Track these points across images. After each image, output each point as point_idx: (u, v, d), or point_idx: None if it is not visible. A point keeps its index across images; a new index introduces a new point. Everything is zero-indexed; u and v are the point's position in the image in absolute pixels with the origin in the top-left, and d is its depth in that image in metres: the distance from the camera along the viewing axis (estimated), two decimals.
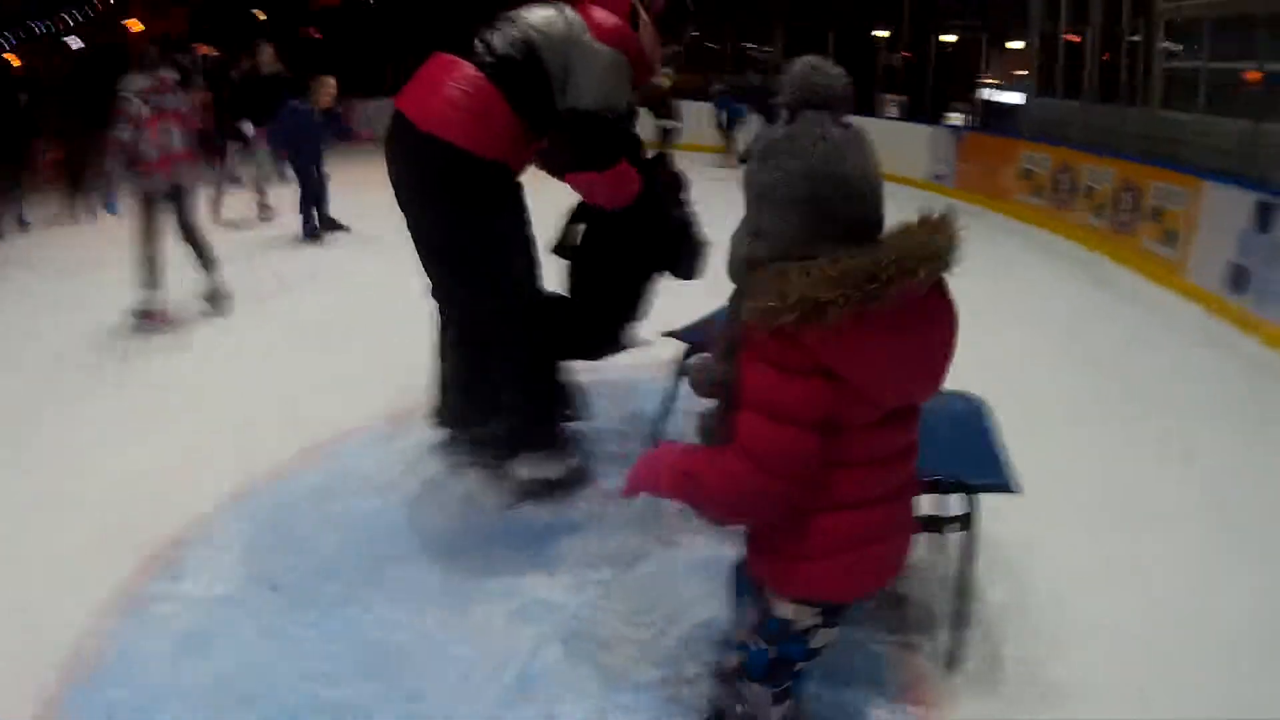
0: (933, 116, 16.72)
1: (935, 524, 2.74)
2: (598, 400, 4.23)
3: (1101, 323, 7.50)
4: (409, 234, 3.47)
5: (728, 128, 15.96)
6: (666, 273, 3.90)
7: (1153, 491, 4.02)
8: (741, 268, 1.64)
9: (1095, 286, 8.86)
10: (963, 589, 2.74)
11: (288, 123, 9.56)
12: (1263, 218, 7.98)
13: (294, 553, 3.38)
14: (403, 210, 3.41)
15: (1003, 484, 2.69)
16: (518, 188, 3.40)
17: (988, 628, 2.87)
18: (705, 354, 1.90)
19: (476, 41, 3.27)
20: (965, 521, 2.69)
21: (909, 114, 17.36)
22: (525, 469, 3.62)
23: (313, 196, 9.68)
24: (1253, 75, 10.44)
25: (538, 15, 3.29)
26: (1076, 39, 14.08)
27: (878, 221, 1.62)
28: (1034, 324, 7.16)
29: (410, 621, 2.95)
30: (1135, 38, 12.45)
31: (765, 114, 13.97)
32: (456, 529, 3.46)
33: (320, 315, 6.69)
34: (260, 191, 10.71)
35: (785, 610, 1.78)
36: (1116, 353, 6.34)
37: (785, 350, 1.53)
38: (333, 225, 9.96)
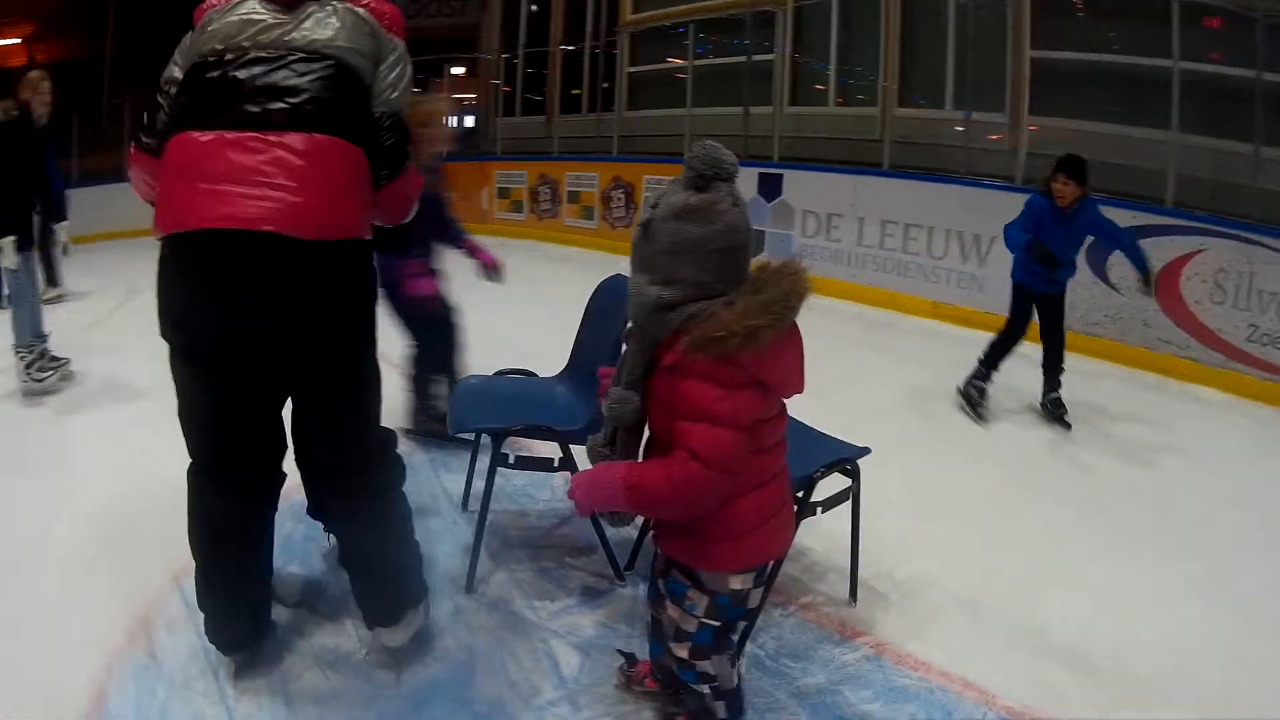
0: None
1: (831, 502, 3.04)
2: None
3: None
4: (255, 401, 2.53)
5: None
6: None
7: None
8: (654, 311, 1.93)
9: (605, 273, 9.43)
10: (854, 540, 3.21)
11: None
12: (765, 187, 9.17)
13: None
14: (252, 365, 2.44)
15: (862, 450, 3.11)
16: None
17: (869, 570, 3.35)
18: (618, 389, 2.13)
19: (261, 100, 2.30)
20: (851, 491, 3.12)
21: None
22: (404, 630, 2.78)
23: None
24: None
25: (326, 30, 2.41)
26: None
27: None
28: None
29: None
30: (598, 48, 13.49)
31: None
32: None
33: None
34: None
35: (735, 582, 2.11)
36: None
37: (723, 369, 1.88)
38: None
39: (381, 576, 2.66)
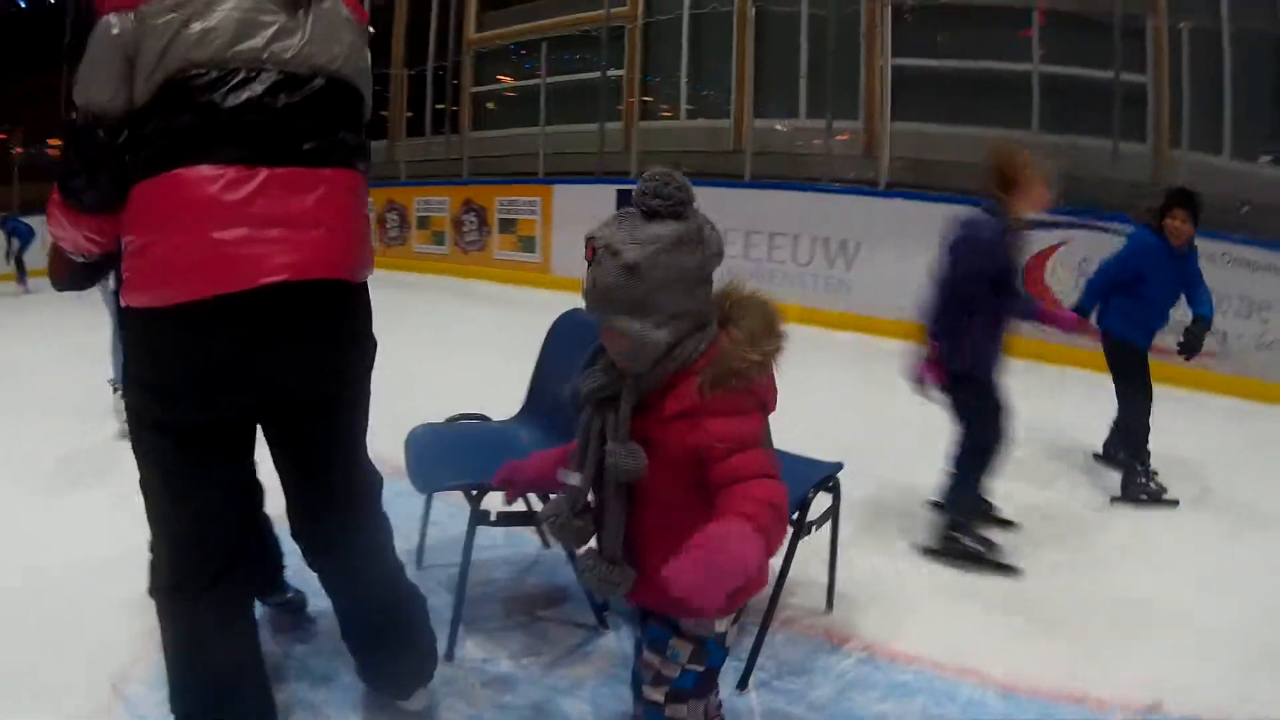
0: None
1: (822, 519, 3.02)
2: None
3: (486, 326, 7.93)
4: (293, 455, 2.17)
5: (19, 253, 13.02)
6: None
7: None
8: (662, 357, 1.79)
9: (460, 299, 9.35)
10: (833, 550, 3.18)
11: None
12: (624, 204, 9.17)
13: None
14: (302, 418, 2.09)
15: (837, 465, 3.10)
16: None
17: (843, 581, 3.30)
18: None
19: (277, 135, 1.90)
20: (832, 511, 3.08)
21: None
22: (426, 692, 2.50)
23: None
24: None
25: (339, 45, 2.00)
26: None
27: None
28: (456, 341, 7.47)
29: None
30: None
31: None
32: None
33: None
34: None
35: (722, 625, 1.96)
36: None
37: (740, 397, 1.77)
38: None
39: (397, 640, 2.31)
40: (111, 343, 4.90)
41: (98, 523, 3.55)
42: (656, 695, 1.97)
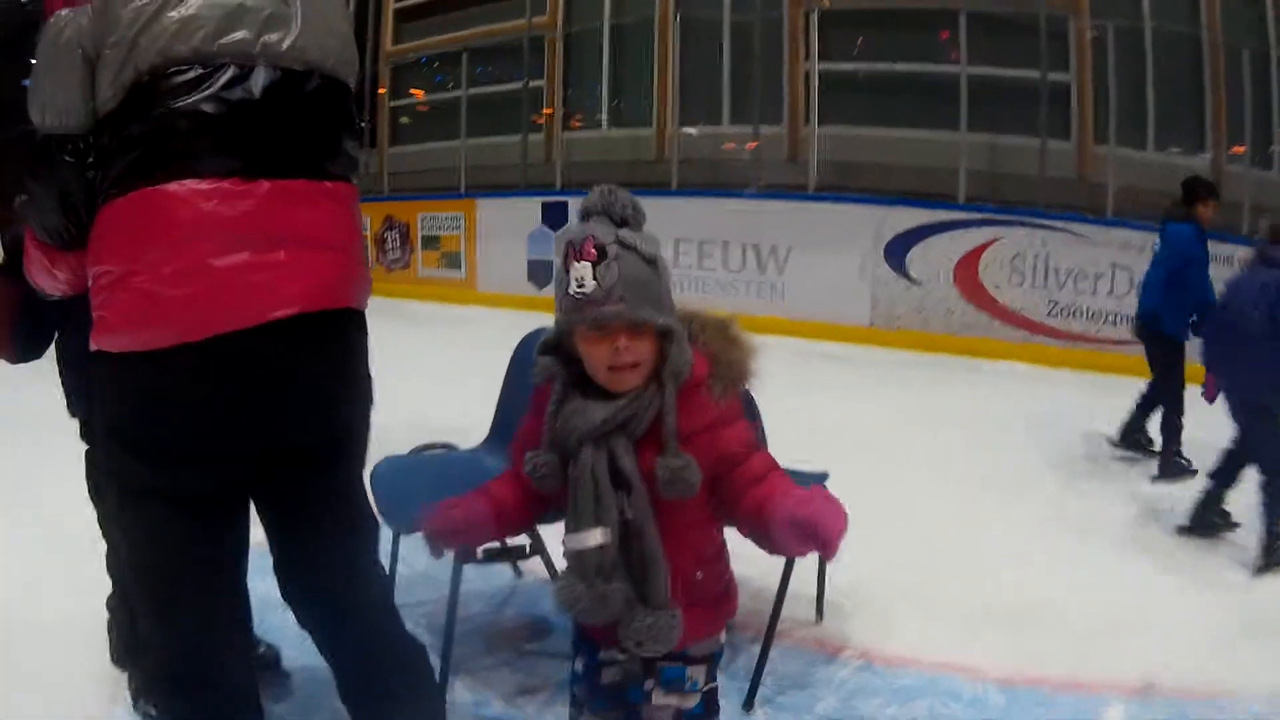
0: None
1: None
2: None
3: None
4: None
5: None
6: None
7: None
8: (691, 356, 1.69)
9: (390, 319, 9.16)
10: (822, 560, 3.06)
11: None
12: (549, 216, 9.12)
13: None
14: (315, 464, 1.77)
15: (824, 474, 3.07)
16: None
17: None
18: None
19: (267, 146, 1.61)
20: None
21: None
22: None
23: None
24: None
25: (333, 38, 1.72)
26: None
27: None
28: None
29: None
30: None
31: None
32: None
33: None
34: None
35: (723, 637, 1.89)
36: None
37: (739, 403, 1.73)
38: None
39: (407, 694, 2.00)
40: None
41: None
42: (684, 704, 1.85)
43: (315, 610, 1.96)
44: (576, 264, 1.60)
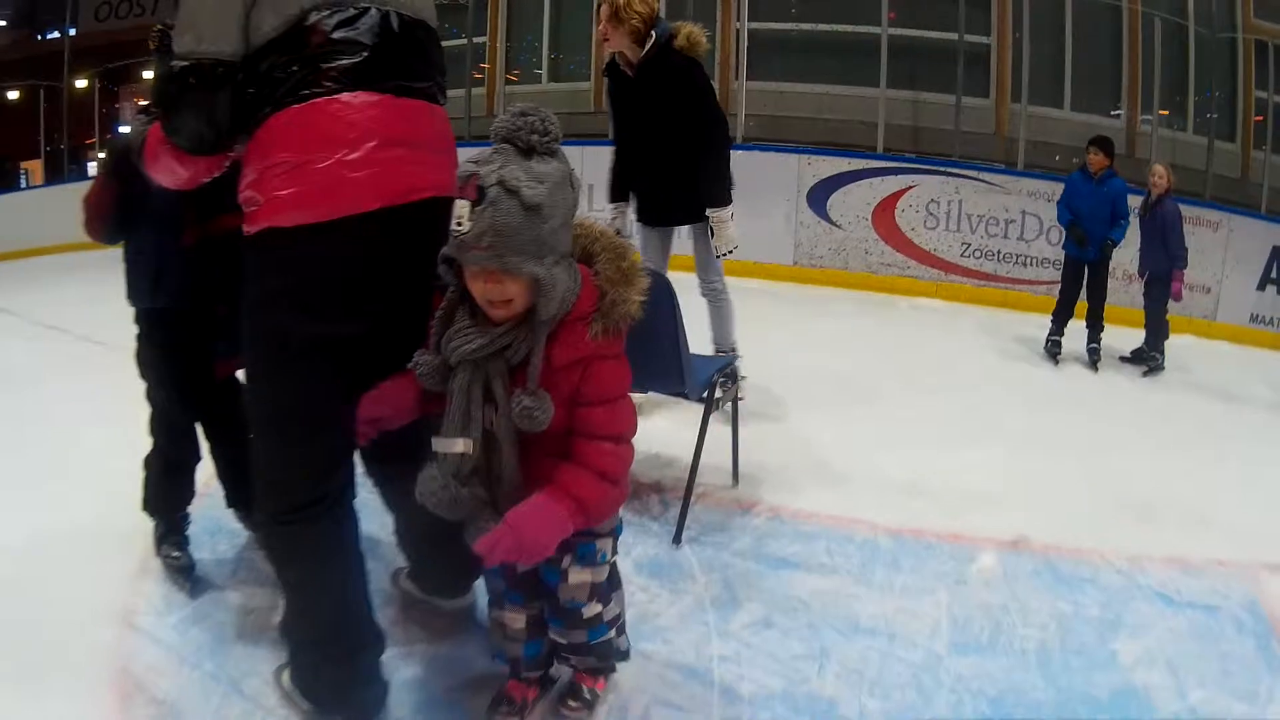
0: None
1: (723, 400, 3.35)
2: None
3: None
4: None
5: None
6: None
7: None
8: (564, 295, 1.74)
9: None
10: (735, 432, 3.51)
11: None
12: None
13: None
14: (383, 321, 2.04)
15: (735, 357, 3.67)
16: None
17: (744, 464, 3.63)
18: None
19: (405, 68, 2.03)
20: (733, 394, 3.48)
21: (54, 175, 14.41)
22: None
23: None
24: None
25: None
26: None
27: None
28: None
29: None
30: None
31: None
32: None
33: None
34: None
35: (620, 515, 2.06)
36: None
37: (619, 340, 1.82)
38: None
39: (453, 543, 2.15)
40: None
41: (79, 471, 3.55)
42: (594, 609, 2.02)
43: (388, 465, 2.32)
44: (459, 202, 1.66)
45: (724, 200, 3.93)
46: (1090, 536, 3.16)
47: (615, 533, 2.04)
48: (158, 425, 2.72)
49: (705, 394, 3.13)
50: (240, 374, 2.22)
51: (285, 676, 2.22)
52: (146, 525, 2.89)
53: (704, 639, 2.53)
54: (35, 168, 15.39)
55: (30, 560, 2.90)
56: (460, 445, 1.79)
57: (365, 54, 1.88)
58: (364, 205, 1.85)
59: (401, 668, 2.34)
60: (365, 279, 1.92)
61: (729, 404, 3.43)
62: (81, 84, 14.35)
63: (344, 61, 1.86)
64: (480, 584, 2.48)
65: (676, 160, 3.90)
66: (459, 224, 1.66)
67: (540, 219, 1.66)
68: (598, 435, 1.80)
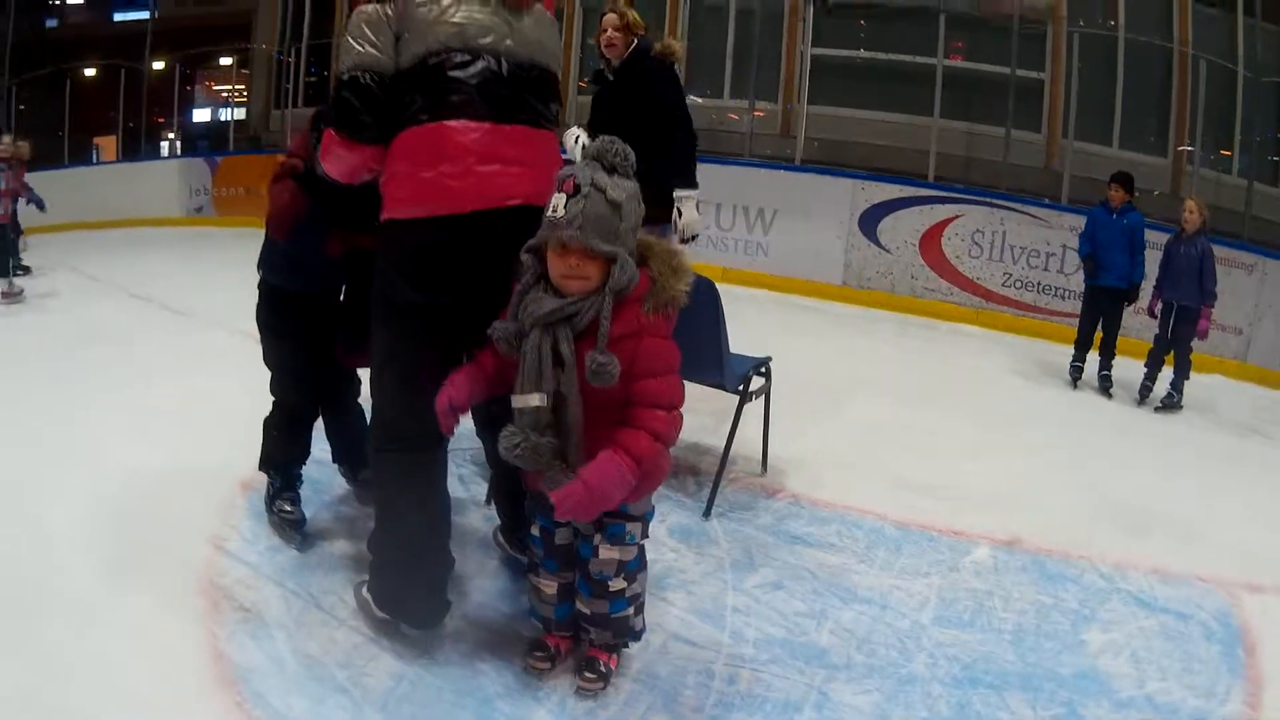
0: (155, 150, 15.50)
1: (757, 394, 3.72)
2: None
3: None
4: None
5: None
6: None
7: None
8: (632, 277, 2.13)
9: None
10: (766, 423, 3.90)
11: None
12: None
13: None
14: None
15: (767, 358, 3.81)
16: None
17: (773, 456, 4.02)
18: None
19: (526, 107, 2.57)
20: (765, 388, 3.79)
21: (129, 152, 15.06)
22: None
23: None
24: None
25: (543, 36, 2.66)
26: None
27: None
28: None
29: None
30: None
31: None
32: None
33: None
34: None
35: (652, 502, 2.42)
36: None
37: (668, 323, 2.18)
38: None
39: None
40: None
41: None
42: (619, 584, 2.34)
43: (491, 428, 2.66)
44: (558, 194, 2.12)
45: (692, 183, 4.36)
46: (1082, 542, 3.44)
47: (646, 518, 2.36)
48: (281, 385, 3.13)
49: (741, 386, 3.53)
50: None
51: (364, 590, 2.67)
52: (235, 468, 3.42)
53: (721, 593, 2.94)
54: (108, 144, 15.87)
55: (133, 489, 3.40)
56: (536, 399, 2.12)
57: (473, 93, 2.39)
58: (462, 208, 2.34)
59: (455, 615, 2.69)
60: (457, 263, 2.40)
61: (763, 399, 3.79)
62: (159, 66, 14.98)
63: (454, 98, 2.38)
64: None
65: (646, 158, 4.34)
66: (554, 211, 2.11)
67: (619, 215, 2.10)
68: (652, 403, 2.13)
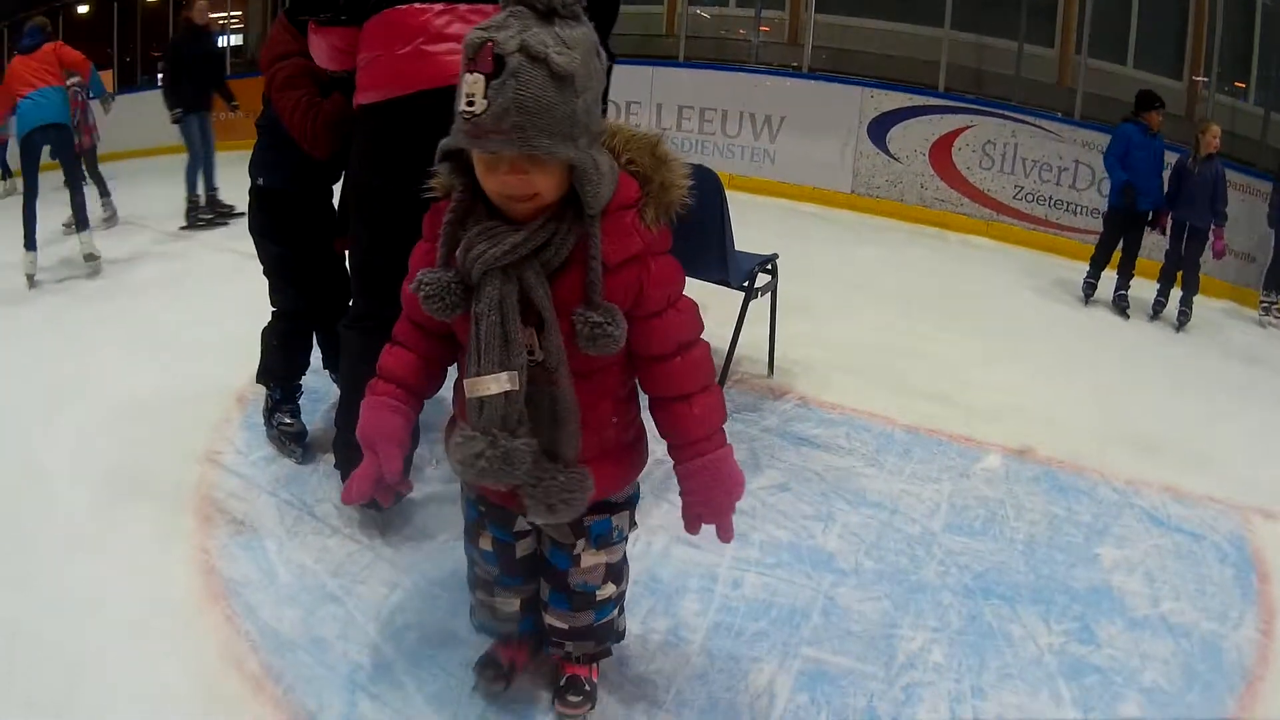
0: None
1: (762, 290, 3.63)
2: None
3: None
4: None
5: None
6: None
7: None
8: (608, 183, 1.45)
9: None
10: (773, 322, 3.83)
11: None
12: None
13: None
14: None
15: (774, 255, 3.71)
16: None
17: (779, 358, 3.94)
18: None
19: None
20: (772, 285, 3.70)
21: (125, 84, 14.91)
22: None
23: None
24: None
25: None
26: None
27: None
28: None
29: None
30: None
31: None
32: None
33: None
34: None
35: (639, 479, 1.77)
36: None
37: (667, 236, 1.53)
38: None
39: None
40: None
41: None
42: (609, 590, 1.80)
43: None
44: (468, 75, 1.31)
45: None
46: (1093, 457, 3.36)
47: (632, 501, 1.78)
48: (279, 291, 3.03)
49: (745, 283, 3.39)
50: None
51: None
52: (230, 385, 3.38)
53: None
54: (105, 78, 15.65)
55: (127, 414, 3.32)
56: (504, 381, 1.42)
57: None
58: (409, 89, 2.31)
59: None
60: (410, 145, 2.25)
61: (768, 298, 3.68)
62: None
63: None
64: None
65: None
66: (470, 104, 1.31)
67: (573, 91, 1.33)
68: (684, 343, 1.55)
